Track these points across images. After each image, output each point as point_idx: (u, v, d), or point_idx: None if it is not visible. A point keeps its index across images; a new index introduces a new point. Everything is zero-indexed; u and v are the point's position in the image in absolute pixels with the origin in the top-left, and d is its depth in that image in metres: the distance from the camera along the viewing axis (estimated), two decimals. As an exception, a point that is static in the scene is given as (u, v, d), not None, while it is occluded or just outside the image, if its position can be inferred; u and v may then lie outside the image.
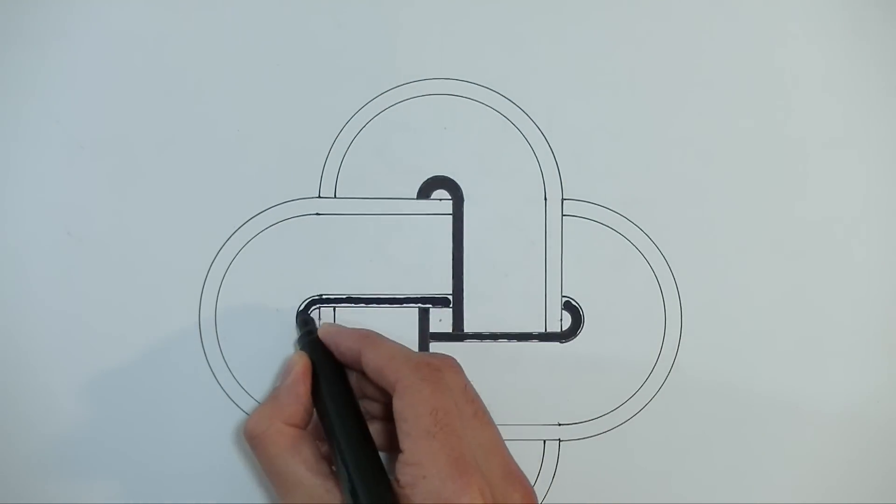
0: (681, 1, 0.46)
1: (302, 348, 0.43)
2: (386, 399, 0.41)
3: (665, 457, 0.46)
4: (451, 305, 0.46)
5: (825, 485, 0.46)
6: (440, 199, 0.46)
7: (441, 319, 0.46)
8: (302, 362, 0.42)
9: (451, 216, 0.46)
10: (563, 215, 0.46)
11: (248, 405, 0.45)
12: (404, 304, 0.46)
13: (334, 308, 0.46)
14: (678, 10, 0.46)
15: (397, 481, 0.37)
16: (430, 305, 0.46)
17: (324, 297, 0.46)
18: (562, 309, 0.46)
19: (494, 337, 0.46)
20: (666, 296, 0.46)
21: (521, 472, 0.39)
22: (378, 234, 0.46)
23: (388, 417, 0.40)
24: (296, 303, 0.45)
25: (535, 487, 0.45)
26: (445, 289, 0.46)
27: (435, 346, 0.46)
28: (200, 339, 0.45)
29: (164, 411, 0.45)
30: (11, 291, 0.45)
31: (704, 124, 0.46)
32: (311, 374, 0.41)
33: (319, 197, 0.46)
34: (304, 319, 0.45)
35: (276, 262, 0.46)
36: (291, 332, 0.45)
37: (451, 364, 0.40)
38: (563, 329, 0.46)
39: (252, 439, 0.40)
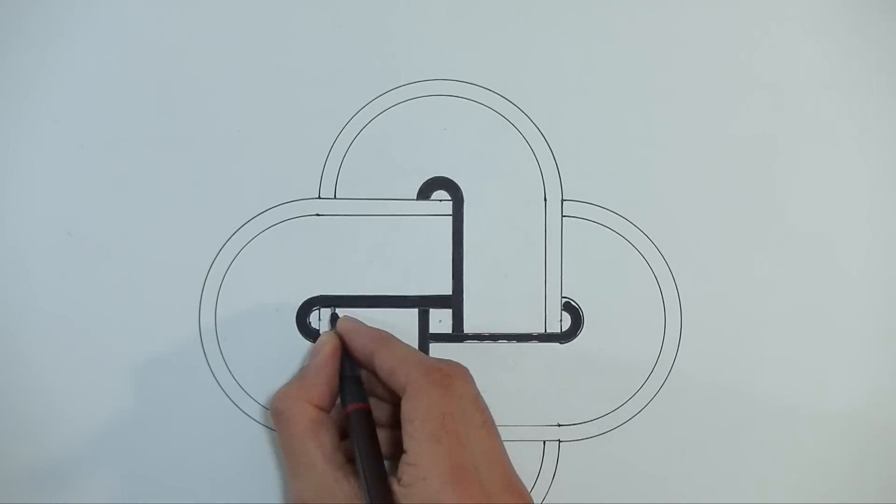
0: (682, 2, 0.46)
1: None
2: (394, 401, 0.41)
3: (665, 458, 0.46)
4: (451, 306, 0.46)
5: (825, 486, 0.46)
6: (440, 200, 0.46)
7: (441, 320, 0.46)
8: (331, 343, 0.43)
9: (450, 217, 0.46)
10: (562, 216, 0.46)
11: (248, 405, 0.45)
12: (404, 305, 0.46)
13: (334, 309, 0.46)
14: (679, 11, 0.46)
15: (398, 480, 0.37)
16: (429, 306, 0.46)
17: (323, 297, 0.46)
18: (561, 310, 0.46)
19: (494, 338, 0.46)
20: (665, 297, 0.46)
21: (522, 484, 0.39)
22: (378, 234, 0.46)
23: (394, 423, 0.40)
24: (296, 303, 0.45)
25: (534, 488, 0.45)
26: (445, 289, 0.46)
27: (435, 347, 0.46)
28: (200, 339, 0.45)
29: (164, 411, 0.45)
30: (12, 292, 0.45)
31: (704, 125, 0.46)
32: (339, 356, 0.42)
33: (319, 198, 0.46)
34: (334, 313, 0.46)
35: (276, 262, 0.46)
36: (291, 333, 0.45)
37: (462, 372, 0.40)
38: (563, 330, 0.46)
39: (276, 415, 0.41)
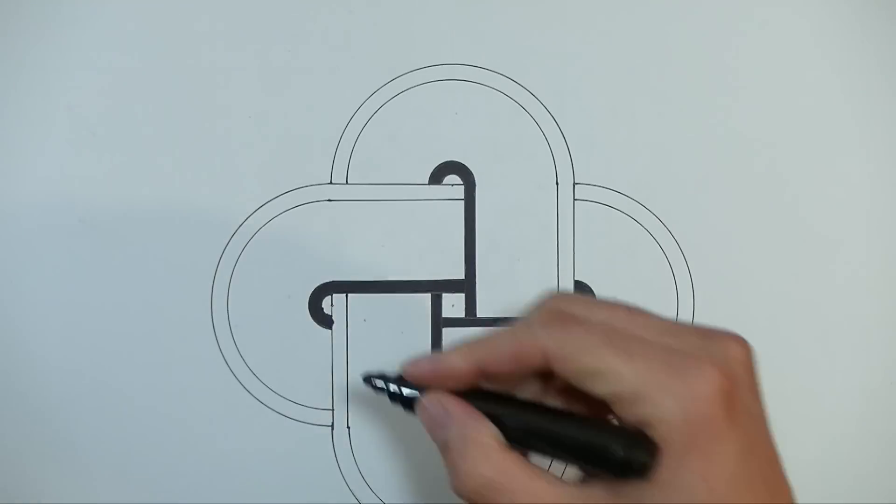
0: (691, -13, 0.46)
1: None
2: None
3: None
4: (463, 290, 0.46)
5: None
6: (452, 185, 0.46)
7: (454, 305, 0.46)
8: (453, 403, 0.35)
9: (462, 201, 0.46)
10: (574, 200, 0.46)
11: (261, 392, 0.45)
12: (417, 290, 0.46)
13: (346, 295, 0.45)
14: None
15: None
16: (442, 291, 0.46)
17: (336, 283, 0.46)
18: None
19: (507, 322, 0.46)
20: (678, 280, 0.46)
21: None
22: (390, 219, 0.46)
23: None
24: (308, 289, 0.45)
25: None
26: (458, 274, 0.46)
27: (448, 332, 0.46)
28: (212, 325, 0.45)
29: (175, 399, 0.45)
30: (23, 279, 0.45)
31: (718, 108, 0.46)
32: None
33: (331, 183, 0.46)
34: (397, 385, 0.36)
35: (287, 248, 0.46)
36: (304, 319, 0.45)
37: None
38: (576, 314, 0.46)
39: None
